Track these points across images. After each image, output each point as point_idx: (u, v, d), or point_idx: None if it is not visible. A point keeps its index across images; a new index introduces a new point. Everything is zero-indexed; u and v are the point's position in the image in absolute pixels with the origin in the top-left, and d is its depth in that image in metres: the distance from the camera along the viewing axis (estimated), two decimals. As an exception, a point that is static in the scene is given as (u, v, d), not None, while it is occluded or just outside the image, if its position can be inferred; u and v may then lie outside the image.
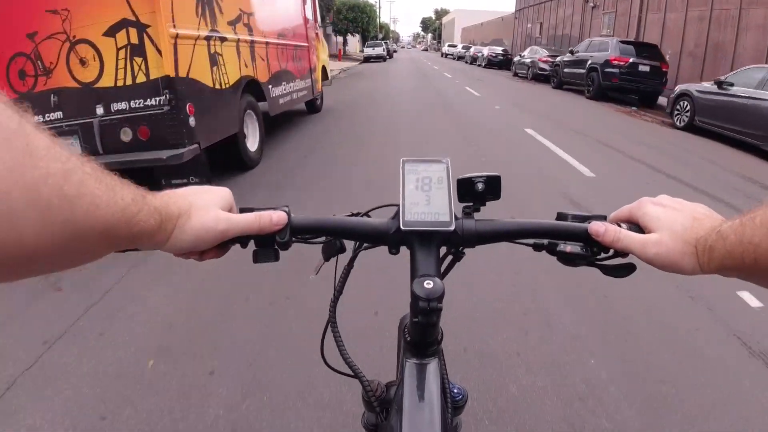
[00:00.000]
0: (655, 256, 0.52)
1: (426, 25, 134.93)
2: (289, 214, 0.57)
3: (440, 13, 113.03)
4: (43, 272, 0.35)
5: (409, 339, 0.59)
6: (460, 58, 41.28)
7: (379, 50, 35.30)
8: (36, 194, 0.30)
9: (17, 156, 0.29)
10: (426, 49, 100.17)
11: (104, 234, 0.37)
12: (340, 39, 42.45)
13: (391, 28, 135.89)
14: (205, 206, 0.52)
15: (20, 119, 0.30)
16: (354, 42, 49.89)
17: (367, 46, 36.49)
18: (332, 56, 36.59)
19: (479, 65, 29.94)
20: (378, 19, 57.62)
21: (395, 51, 67.42)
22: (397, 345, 0.79)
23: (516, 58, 22.17)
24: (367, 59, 35.15)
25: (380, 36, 68.85)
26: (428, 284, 0.51)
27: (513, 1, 34.09)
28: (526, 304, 2.61)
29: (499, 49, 28.61)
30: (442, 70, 25.96)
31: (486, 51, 29.31)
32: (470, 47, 40.83)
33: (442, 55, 53.38)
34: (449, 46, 51.45)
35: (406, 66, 30.36)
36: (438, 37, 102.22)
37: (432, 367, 0.58)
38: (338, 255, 0.64)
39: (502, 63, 27.42)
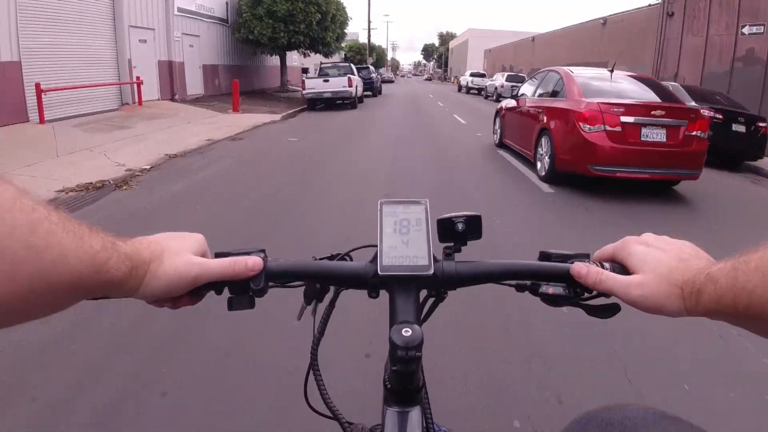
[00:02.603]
0: (639, 298, 0.50)
1: (428, 51, 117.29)
2: (265, 259, 0.56)
3: (446, 38, 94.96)
4: (6, 325, 0.34)
5: (389, 386, 0.56)
6: (500, 96, 21.86)
7: (339, 83, 15.44)
8: (1, 247, 0.29)
9: None
10: (429, 79, 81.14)
11: (73, 284, 0.36)
12: (274, 60, 22.48)
13: (390, 54, 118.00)
14: (179, 251, 0.50)
15: None
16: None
17: (319, 74, 16.89)
18: (221, 96, 15.30)
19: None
20: (366, 25, 36.66)
21: (389, 81, 47.66)
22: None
23: None
24: (314, 104, 15.77)
25: (370, 61, 48.54)
26: (406, 332, 0.50)
27: (531, 21, 13.90)
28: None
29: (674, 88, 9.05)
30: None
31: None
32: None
33: (459, 90, 34.07)
34: (473, 75, 31.74)
35: (397, 131, 10.86)
36: (444, 64, 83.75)
37: (414, 414, 0.55)
38: (319, 296, 0.61)
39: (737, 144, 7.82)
